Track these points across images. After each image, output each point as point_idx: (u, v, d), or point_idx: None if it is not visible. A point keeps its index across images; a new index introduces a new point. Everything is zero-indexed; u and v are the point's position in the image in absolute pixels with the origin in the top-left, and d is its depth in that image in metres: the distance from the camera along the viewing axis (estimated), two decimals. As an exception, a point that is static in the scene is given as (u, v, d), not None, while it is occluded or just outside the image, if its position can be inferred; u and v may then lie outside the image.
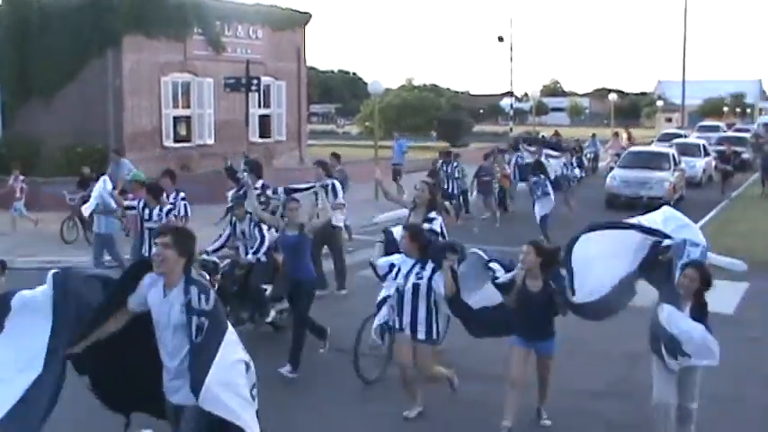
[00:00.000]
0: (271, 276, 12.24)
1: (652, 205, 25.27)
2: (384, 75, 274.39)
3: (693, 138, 46.39)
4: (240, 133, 26.65)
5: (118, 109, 28.61)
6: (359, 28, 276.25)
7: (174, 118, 30.84)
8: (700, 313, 7.79)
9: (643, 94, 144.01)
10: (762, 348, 12.02)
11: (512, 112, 65.92)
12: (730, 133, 53.77)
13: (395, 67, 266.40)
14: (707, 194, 30.32)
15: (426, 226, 10.45)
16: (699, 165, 35.05)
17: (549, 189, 20.50)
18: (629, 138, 46.04)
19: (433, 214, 10.93)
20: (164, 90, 30.04)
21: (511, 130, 59.39)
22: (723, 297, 14.76)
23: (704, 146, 37.84)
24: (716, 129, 60.52)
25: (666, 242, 8.39)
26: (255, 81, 23.70)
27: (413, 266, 8.94)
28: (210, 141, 31.63)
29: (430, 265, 8.87)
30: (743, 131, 58.53)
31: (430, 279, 8.82)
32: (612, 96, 67.25)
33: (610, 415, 9.42)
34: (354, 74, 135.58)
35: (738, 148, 40.27)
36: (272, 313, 12.24)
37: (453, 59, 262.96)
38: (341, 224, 15.48)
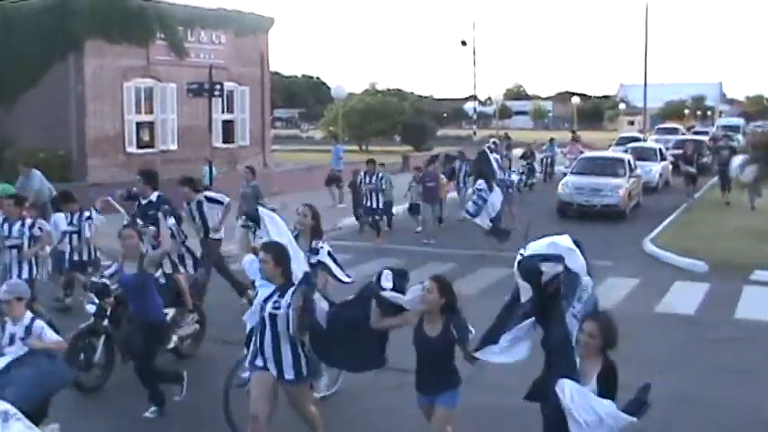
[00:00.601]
0: (173, 300, 10.95)
1: (606, 213, 25.17)
2: (348, 79, 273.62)
3: (651, 141, 45.69)
4: (203, 139, 26.55)
5: (80, 114, 28.43)
6: (322, 33, 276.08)
7: (137, 123, 30.62)
8: (607, 381, 6.30)
9: (606, 97, 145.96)
10: (723, 349, 12.10)
11: (475, 116, 66.42)
12: (689, 136, 52.26)
13: (358, 71, 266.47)
14: (664, 200, 29.47)
15: (313, 259, 9.17)
16: (655, 169, 33.56)
17: (487, 195, 19.52)
18: (578, 142, 42.66)
19: (319, 243, 9.47)
20: (126, 95, 29.82)
21: (474, 133, 59.82)
22: (684, 298, 15.09)
23: (660, 150, 36.47)
24: (674, 131, 59.39)
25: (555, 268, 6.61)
26: (218, 86, 23.58)
27: (273, 293, 7.56)
28: (174, 147, 31.44)
29: (291, 292, 7.49)
30: (701, 134, 57.61)
31: (288, 308, 7.42)
32: (575, 100, 67.90)
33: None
34: (318, 78, 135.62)
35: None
36: (174, 338, 11.14)
37: (417, 64, 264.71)
38: (219, 235, 14.44)
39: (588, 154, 32.47)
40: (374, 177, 21.64)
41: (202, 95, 23.88)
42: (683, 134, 56.94)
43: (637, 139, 45.76)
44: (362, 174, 22.20)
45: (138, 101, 30.55)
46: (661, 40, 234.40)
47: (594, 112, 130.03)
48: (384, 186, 21.71)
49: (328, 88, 39.68)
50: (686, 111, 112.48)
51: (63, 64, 28.25)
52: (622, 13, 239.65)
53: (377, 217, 21.68)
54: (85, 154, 28.46)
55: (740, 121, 70.90)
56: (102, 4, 28.57)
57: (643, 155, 34.02)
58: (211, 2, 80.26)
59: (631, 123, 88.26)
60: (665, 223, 23.47)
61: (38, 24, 28.19)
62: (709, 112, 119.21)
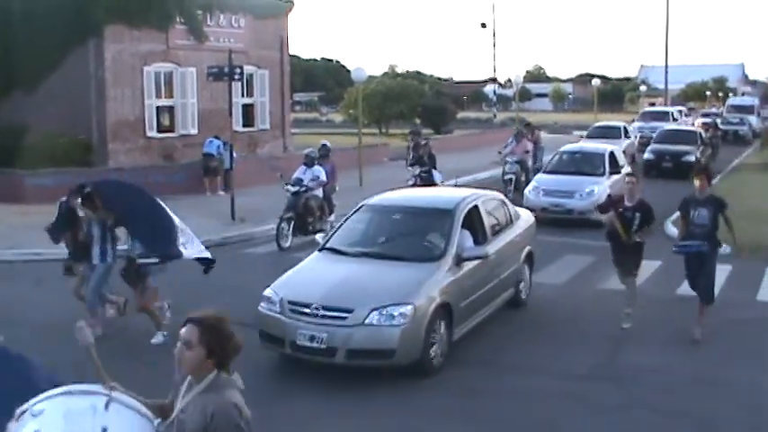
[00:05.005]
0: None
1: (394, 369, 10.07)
2: (367, 62, 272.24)
3: (633, 130, 37.39)
4: (224, 123, 26.50)
5: (100, 99, 28.50)
6: (342, 15, 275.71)
7: (157, 108, 30.73)
8: None
9: (627, 79, 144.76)
10: (744, 331, 12.00)
11: (495, 99, 66.18)
12: (675, 126, 39.47)
13: (378, 54, 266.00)
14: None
15: None
16: (598, 190, 20.78)
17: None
18: (524, 137, 27.89)
19: None
20: (146, 80, 29.91)
21: (494, 116, 59.62)
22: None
23: (612, 155, 23.19)
24: (664, 116, 45.05)
25: None
26: (238, 70, 23.50)
27: None
28: (194, 131, 31.49)
29: None
30: (711, 116, 51.19)
31: None
32: (596, 82, 66.80)
33: (595, 398, 9.39)
34: (338, 62, 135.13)
35: (684, 147, 30.48)
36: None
37: (437, 46, 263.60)
38: None
39: (381, 197, 12.97)
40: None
41: (222, 79, 23.79)
42: (675, 119, 44.69)
43: (616, 129, 35.27)
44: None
45: (157, 85, 30.65)
46: (682, 21, 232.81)
47: (615, 94, 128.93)
48: None
49: (348, 71, 39.42)
50: (708, 92, 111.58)
51: (83, 49, 28.29)
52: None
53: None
54: (106, 138, 28.54)
55: (753, 101, 62.54)
56: (121, -10, 28.61)
57: (583, 167, 22.83)
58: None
59: (652, 105, 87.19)
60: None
61: (58, 9, 28.25)
62: (730, 94, 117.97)
